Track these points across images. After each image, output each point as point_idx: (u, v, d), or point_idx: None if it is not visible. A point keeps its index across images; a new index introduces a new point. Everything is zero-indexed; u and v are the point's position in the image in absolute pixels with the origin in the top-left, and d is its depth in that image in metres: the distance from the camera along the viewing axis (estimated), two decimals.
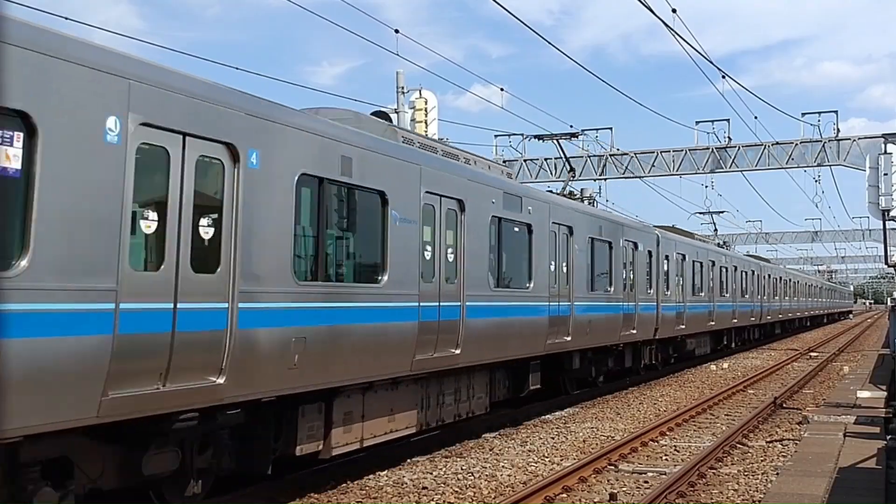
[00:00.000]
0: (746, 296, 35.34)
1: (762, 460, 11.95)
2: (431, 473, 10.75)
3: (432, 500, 9.57)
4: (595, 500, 9.67)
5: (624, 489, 10.17)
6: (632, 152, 33.21)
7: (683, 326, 24.39)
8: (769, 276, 42.57)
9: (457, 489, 9.99)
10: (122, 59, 6.91)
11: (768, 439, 13.71)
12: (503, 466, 11.30)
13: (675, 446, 13.13)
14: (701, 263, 27.27)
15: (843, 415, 14.57)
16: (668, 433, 14.29)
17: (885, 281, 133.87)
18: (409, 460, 11.57)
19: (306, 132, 8.83)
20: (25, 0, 9.76)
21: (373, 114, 13.47)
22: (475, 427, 13.91)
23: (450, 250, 11.67)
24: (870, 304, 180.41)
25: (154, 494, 7.87)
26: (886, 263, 24.72)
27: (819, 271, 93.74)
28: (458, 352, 11.71)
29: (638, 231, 20.89)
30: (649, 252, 21.34)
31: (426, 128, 21.06)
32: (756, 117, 52.88)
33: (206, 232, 7.49)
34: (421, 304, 10.78)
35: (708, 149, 31.81)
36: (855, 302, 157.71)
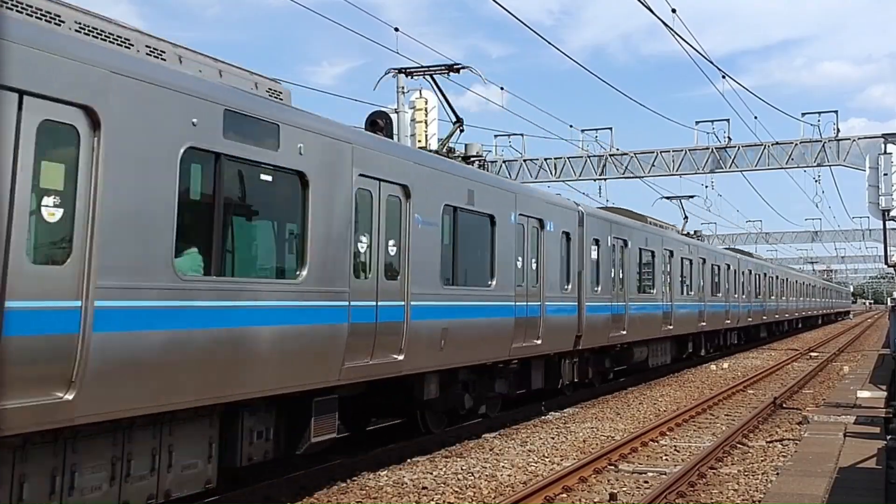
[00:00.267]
0: (719, 294, 30.87)
1: (762, 460, 11.95)
2: (431, 473, 10.76)
3: (432, 500, 9.57)
4: (595, 500, 9.67)
5: (624, 489, 10.18)
6: (632, 152, 33.20)
7: (625, 332, 19.59)
8: (750, 271, 37.67)
9: (457, 489, 10.00)
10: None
11: (768, 439, 13.72)
12: (503, 466, 11.31)
13: (675, 446, 13.14)
14: (652, 252, 22.46)
15: (843, 415, 14.58)
16: (668, 433, 14.30)
17: (885, 281, 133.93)
18: (409, 460, 11.58)
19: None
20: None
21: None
22: (475, 427, 13.92)
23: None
24: (870, 304, 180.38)
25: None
26: (886, 263, 24.73)
27: (815, 270, 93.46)
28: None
29: (545, 204, 15.76)
30: (565, 234, 16.39)
31: (426, 128, 21.04)
32: (756, 117, 53.08)
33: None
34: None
35: (708, 149, 31.79)
36: (854, 302, 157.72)
